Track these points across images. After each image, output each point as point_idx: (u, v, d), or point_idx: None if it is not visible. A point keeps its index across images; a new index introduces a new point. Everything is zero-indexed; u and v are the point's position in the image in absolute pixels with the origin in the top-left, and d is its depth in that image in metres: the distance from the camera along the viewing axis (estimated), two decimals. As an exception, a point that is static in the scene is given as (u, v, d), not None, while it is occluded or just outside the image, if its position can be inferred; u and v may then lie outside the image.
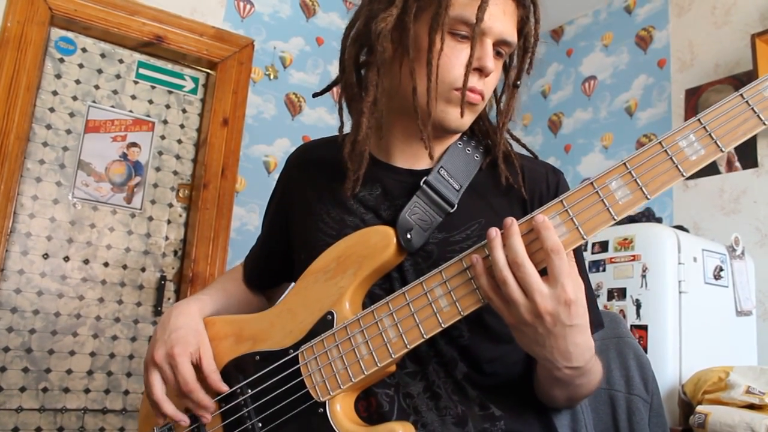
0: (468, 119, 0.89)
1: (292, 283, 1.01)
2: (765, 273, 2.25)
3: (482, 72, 0.85)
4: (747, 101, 0.68)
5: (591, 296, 0.87)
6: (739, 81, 2.40)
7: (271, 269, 1.12)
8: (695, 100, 2.55)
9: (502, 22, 0.85)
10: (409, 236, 0.84)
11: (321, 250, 0.88)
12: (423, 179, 0.89)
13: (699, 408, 1.75)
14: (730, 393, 1.72)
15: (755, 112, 0.68)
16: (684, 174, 0.69)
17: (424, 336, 0.76)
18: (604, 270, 2.08)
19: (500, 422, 0.85)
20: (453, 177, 0.91)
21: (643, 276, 1.95)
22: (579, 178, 3.04)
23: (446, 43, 0.85)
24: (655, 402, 1.03)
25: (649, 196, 0.70)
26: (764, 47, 2.22)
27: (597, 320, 0.90)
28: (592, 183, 0.72)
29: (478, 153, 0.96)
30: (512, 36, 0.88)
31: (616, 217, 0.71)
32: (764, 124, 0.68)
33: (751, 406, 1.66)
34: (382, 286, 0.87)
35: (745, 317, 2.16)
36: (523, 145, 1.02)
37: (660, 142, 0.70)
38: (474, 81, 0.85)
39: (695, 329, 1.96)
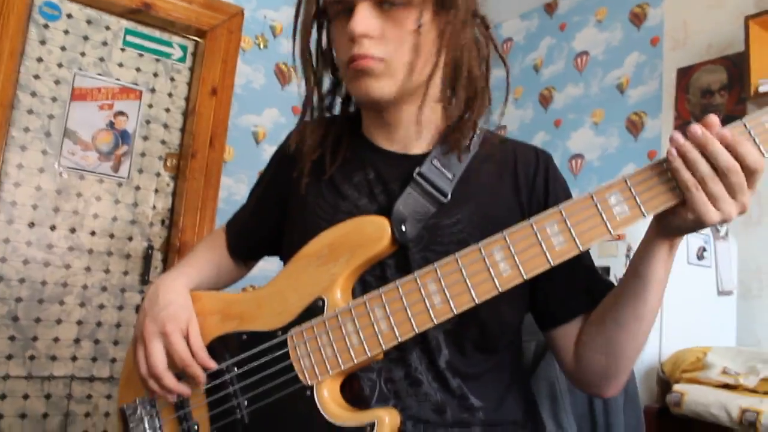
0: (378, 86, 0.85)
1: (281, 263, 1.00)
2: (747, 254, 2.28)
3: (352, 37, 0.82)
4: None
5: (593, 265, 0.91)
6: (731, 62, 2.40)
7: (259, 242, 1.11)
8: (687, 80, 2.54)
9: None
10: (403, 228, 0.84)
11: (314, 233, 0.87)
12: (416, 170, 0.88)
13: (676, 387, 1.79)
14: (706, 373, 1.76)
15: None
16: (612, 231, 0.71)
17: (416, 330, 0.77)
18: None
19: (479, 413, 0.85)
20: (445, 166, 0.89)
21: (627, 256, 1.97)
22: (568, 153, 3.03)
23: (337, 29, 0.87)
24: (630, 387, 1.05)
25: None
26: (757, 29, 2.21)
27: (608, 282, 0.91)
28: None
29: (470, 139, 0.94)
30: None
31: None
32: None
33: (726, 386, 1.70)
34: (373, 272, 0.87)
35: (726, 297, 2.20)
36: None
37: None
38: (354, 49, 0.83)
39: (676, 309, 1.99)
